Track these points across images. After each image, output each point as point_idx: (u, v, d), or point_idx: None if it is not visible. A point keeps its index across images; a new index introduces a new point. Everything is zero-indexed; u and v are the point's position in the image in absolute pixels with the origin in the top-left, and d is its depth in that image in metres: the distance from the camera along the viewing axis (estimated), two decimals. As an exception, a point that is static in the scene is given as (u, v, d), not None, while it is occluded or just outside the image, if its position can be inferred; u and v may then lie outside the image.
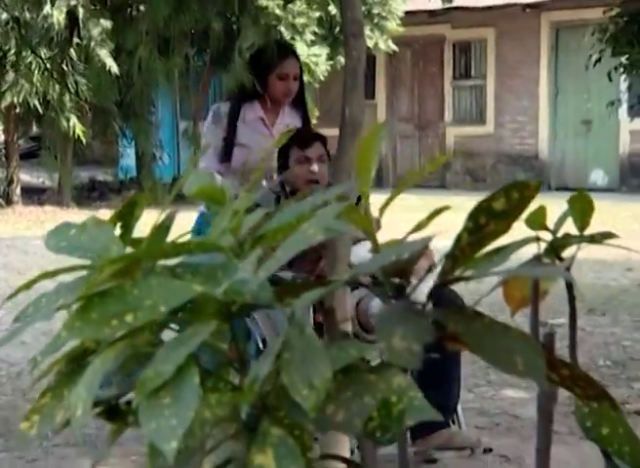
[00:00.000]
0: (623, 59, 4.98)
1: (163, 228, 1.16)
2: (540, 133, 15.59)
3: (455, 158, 16.12)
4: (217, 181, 4.66)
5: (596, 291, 7.46)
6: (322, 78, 13.34)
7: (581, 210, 1.28)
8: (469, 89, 16.47)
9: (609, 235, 1.27)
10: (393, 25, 13.51)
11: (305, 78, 13.39)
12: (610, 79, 5.13)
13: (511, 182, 1.00)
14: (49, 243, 1.17)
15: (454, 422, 3.76)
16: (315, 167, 3.85)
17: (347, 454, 1.93)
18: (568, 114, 15.49)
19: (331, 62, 13.26)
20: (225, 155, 4.26)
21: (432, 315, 0.98)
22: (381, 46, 13.52)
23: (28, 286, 1.08)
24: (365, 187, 1.06)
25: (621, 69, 5.05)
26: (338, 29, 13.14)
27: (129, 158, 16.12)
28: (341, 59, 13.53)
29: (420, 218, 1.08)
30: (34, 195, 15.38)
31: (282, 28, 12.53)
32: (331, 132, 14.79)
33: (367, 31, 13.41)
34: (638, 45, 4.84)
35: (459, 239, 1.01)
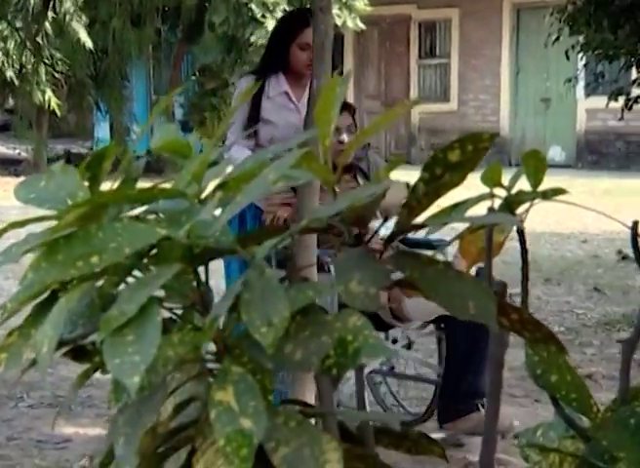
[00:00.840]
0: (581, 39, 4.99)
1: (130, 179, 1.15)
2: (502, 110, 15.65)
3: (419, 134, 16.14)
4: (245, 155, 4.32)
5: (553, 261, 7.54)
6: (292, 55, 13.25)
7: (535, 167, 1.28)
8: (434, 67, 16.46)
9: (560, 191, 1.27)
10: (361, 4, 13.46)
11: (276, 54, 13.36)
12: (567, 57, 5.15)
13: (466, 135, 1.00)
14: (18, 194, 1.14)
15: (483, 406, 3.47)
16: (344, 136, 3.66)
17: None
18: (528, 92, 15.56)
19: (300, 40, 13.19)
20: (252, 132, 3.98)
21: (389, 261, 0.98)
22: (350, 24, 13.46)
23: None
24: (325, 139, 1.05)
25: (578, 48, 5.06)
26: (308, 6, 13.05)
27: (103, 130, 15.98)
28: (311, 37, 13.47)
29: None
30: (10, 166, 15.21)
31: (253, 6, 12.44)
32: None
33: (335, 10, 13.35)
34: (595, 24, 4.86)
35: (415, 188, 1.01)
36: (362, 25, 13.75)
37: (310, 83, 4.07)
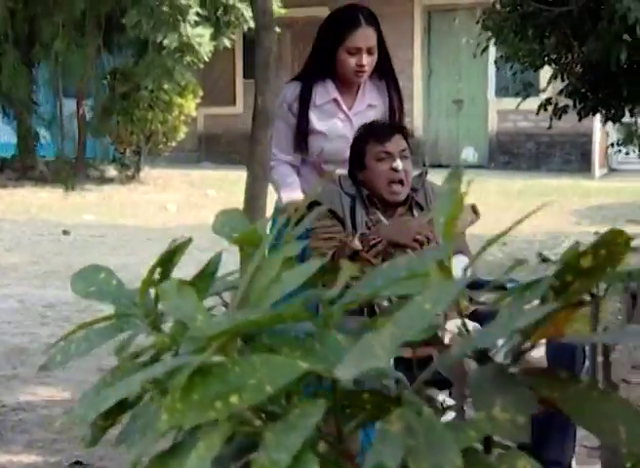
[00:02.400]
0: (506, 49, 5.05)
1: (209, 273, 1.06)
2: (415, 112, 15.80)
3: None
4: (287, 177, 3.87)
5: (475, 266, 7.61)
6: (206, 59, 13.14)
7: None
8: (347, 69, 16.53)
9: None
10: (275, 7, 13.40)
11: (189, 58, 13.22)
12: (497, 68, 5.19)
13: (599, 239, 0.95)
14: (76, 287, 1.08)
15: None
16: (399, 163, 3.17)
17: None
18: (441, 94, 15.78)
19: (214, 43, 13.07)
20: (299, 145, 3.53)
21: (524, 381, 0.92)
22: (264, 27, 13.39)
23: (66, 337, 1.05)
24: (448, 255, 1.00)
25: (504, 59, 5.12)
26: (221, 10, 12.95)
27: (8, 135, 15.52)
28: (225, 40, 13.35)
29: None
30: None
31: (165, 9, 12.25)
32: (214, 111, 14.65)
33: (249, 13, 13.26)
34: (521, 34, 4.92)
35: (543, 299, 0.95)
36: (277, 28, 13.68)
37: (358, 88, 3.53)
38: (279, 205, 3.61)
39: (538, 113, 5.22)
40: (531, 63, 5.06)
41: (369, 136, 3.23)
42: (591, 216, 10.21)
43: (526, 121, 14.16)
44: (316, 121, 3.51)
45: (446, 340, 1.07)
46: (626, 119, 5.43)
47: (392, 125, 3.39)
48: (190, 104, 14.19)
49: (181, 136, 14.39)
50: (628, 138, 7.37)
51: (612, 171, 14.28)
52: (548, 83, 4.97)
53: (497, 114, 15.46)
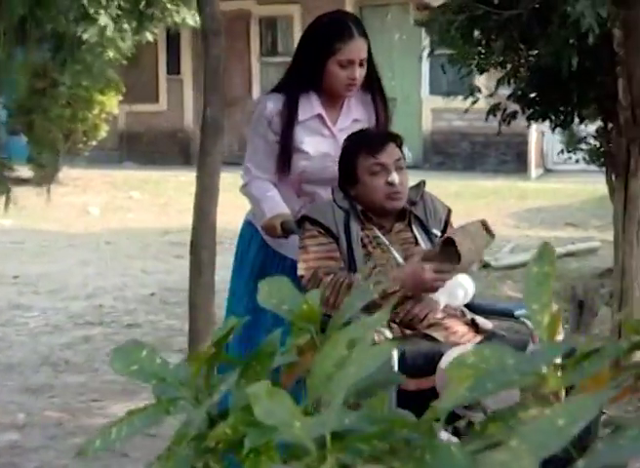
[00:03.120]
0: (454, 53, 4.94)
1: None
2: (347, 110, 15.69)
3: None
4: (267, 190, 3.66)
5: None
6: (129, 54, 12.84)
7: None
8: (277, 65, 16.32)
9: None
10: (201, 0, 13.15)
11: (111, 54, 12.88)
12: (444, 71, 5.08)
13: None
14: (115, 365, 1.06)
15: None
16: (395, 177, 3.02)
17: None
18: (373, 92, 15.66)
19: (137, 37, 12.76)
20: (282, 165, 3.32)
21: None
22: (190, 22, 13.13)
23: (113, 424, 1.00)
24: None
25: (448, 62, 5.02)
26: (144, 3, 12.63)
27: None
28: (147, 35, 13.04)
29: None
30: None
31: (85, 2, 11.90)
32: (137, 108, 14.28)
33: (173, 6, 12.98)
34: (467, 36, 4.81)
35: None
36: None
37: (342, 103, 3.37)
38: (250, 218, 3.45)
39: (487, 119, 5.13)
40: (477, 66, 4.98)
41: (360, 147, 3.08)
42: (530, 219, 10.22)
43: (460, 120, 14.15)
44: (299, 139, 3.30)
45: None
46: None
47: (384, 133, 3.23)
48: (112, 101, 13.85)
49: (103, 134, 14.04)
50: (570, 143, 7.36)
51: (547, 171, 14.37)
52: (496, 87, 4.89)
53: (431, 113, 15.44)
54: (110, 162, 16.09)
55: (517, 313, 3.02)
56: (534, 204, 11.38)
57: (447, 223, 3.20)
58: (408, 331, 2.93)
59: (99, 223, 10.86)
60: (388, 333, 2.83)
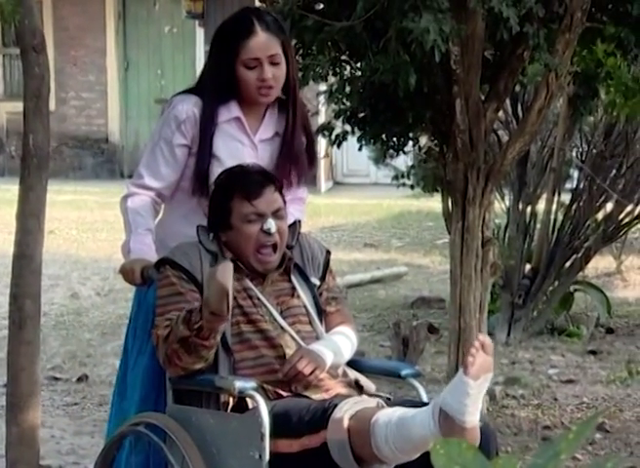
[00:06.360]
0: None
1: None
2: (110, 112, 15.23)
3: (9, 139, 15.27)
4: (141, 218, 3.40)
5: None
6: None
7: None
8: (26, 59, 15.69)
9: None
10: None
11: None
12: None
13: None
14: (437, 462, 1.06)
15: None
16: (272, 224, 2.94)
17: None
18: (141, 91, 15.29)
19: None
20: (202, 174, 3.15)
21: None
22: None
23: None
24: None
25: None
26: None
27: None
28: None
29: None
30: None
31: None
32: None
33: None
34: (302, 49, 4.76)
35: None
36: None
37: (265, 112, 3.25)
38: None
39: (315, 140, 5.09)
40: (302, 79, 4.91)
41: (234, 191, 2.99)
42: (327, 240, 10.30)
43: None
44: (214, 143, 3.17)
45: None
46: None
47: (262, 174, 3.08)
48: None
49: None
50: (379, 158, 7.48)
51: (337, 184, 14.62)
52: (328, 103, 4.87)
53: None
54: None
55: (404, 373, 3.08)
56: (327, 222, 11.51)
57: (326, 269, 3.14)
58: (284, 393, 2.90)
59: None
60: (259, 398, 2.78)
